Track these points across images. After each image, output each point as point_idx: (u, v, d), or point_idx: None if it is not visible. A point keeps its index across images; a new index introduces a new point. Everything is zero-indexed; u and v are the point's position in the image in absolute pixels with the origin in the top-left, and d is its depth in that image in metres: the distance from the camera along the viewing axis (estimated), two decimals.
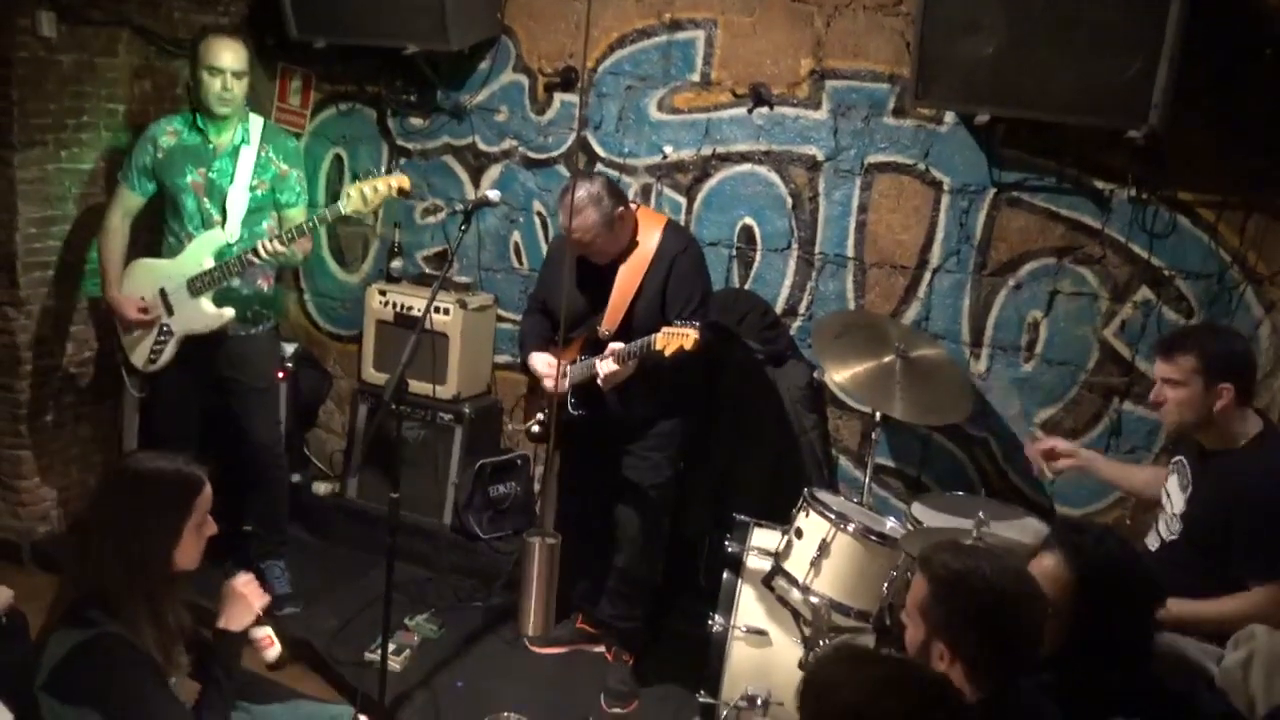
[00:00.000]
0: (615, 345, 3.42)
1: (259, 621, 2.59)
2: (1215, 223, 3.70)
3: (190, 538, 2.34)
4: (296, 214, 4.06)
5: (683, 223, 4.36)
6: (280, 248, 3.81)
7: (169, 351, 3.99)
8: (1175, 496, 3.09)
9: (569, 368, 3.57)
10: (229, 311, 3.93)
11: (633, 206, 3.66)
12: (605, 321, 3.57)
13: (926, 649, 2.10)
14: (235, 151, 3.95)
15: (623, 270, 3.59)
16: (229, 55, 3.84)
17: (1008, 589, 2.06)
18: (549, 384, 3.63)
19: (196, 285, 3.89)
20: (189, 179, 3.92)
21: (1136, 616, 2.28)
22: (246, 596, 2.53)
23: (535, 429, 3.85)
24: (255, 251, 3.80)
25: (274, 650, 2.65)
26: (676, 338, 3.24)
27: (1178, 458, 3.17)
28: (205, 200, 3.93)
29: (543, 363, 3.69)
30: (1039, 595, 2.09)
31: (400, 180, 3.82)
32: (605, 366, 3.41)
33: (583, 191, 3.42)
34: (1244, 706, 2.49)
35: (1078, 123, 3.62)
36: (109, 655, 2.18)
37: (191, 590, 2.48)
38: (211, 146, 3.94)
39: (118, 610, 2.21)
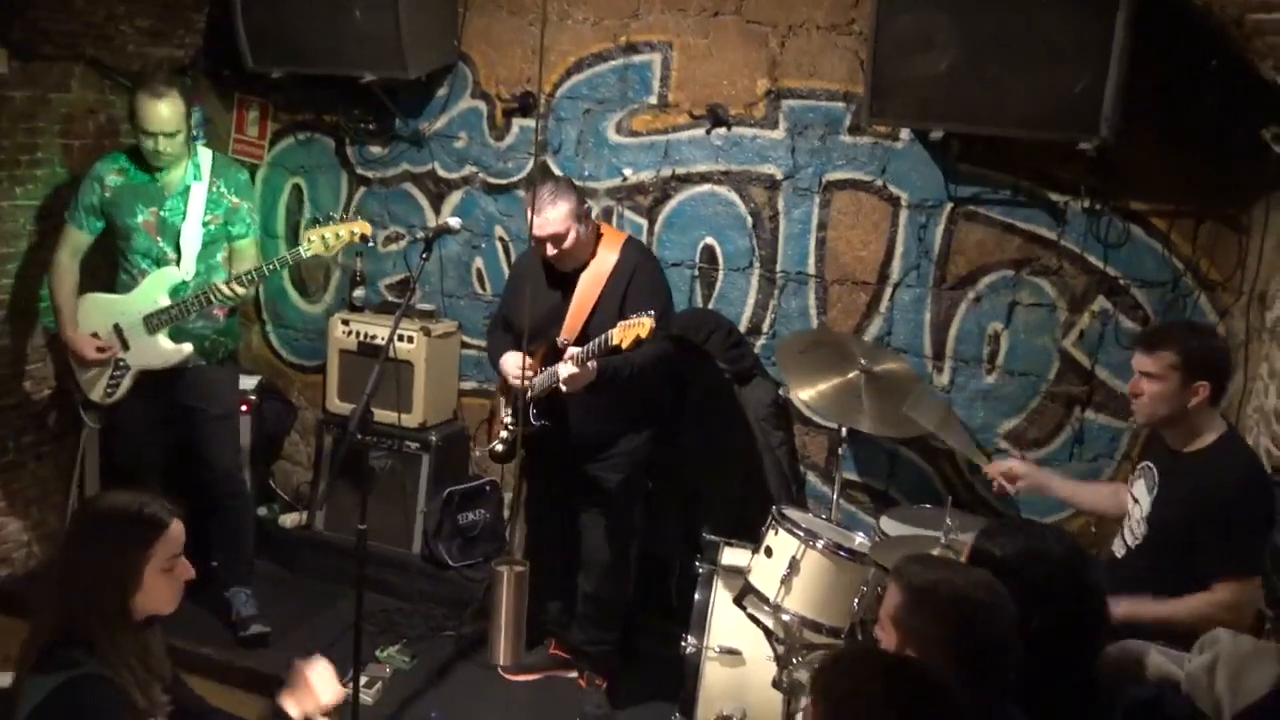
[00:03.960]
0: (574, 349, 3.44)
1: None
2: (1168, 231, 3.76)
3: (156, 581, 2.24)
4: (247, 245, 4.04)
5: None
6: (240, 290, 3.80)
7: (125, 385, 3.97)
8: (1142, 499, 3.12)
9: (529, 380, 3.57)
10: (187, 347, 3.91)
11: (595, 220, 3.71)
12: (564, 331, 3.59)
13: None
14: (186, 190, 3.92)
15: (583, 281, 3.62)
16: (159, 117, 3.76)
17: (977, 599, 2.08)
18: (511, 379, 3.64)
19: (153, 323, 3.86)
20: (140, 219, 3.89)
21: (1069, 589, 2.26)
22: (316, 687, 2.38)
23: (499, 447, 3.83)
24: (214, 293, 3.78)
25: None
26: (633, 328, 3.26)
27: (1144, 463, 3.21)
28: (158, 239, 3.90)
29: (512, 363, 3.65)
30: (1008, 605, 2.10)
31: (362, 227, 3.84)
32: (565, 369, 3.41)
33: (551, 185, 3.57)
34: (1210, 710, 2.51)
35: (1030, 136, 3.68)
36: (86, 699, 2.12)
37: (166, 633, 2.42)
38: (161, 185, 3.91)
39: (92, 647, 2.15)
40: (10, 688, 2.26)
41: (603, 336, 3.34)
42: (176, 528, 2.30)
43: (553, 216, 3.49)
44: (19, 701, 2.15)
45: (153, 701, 2.26)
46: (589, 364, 3.39)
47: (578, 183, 4.43)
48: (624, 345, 3.28)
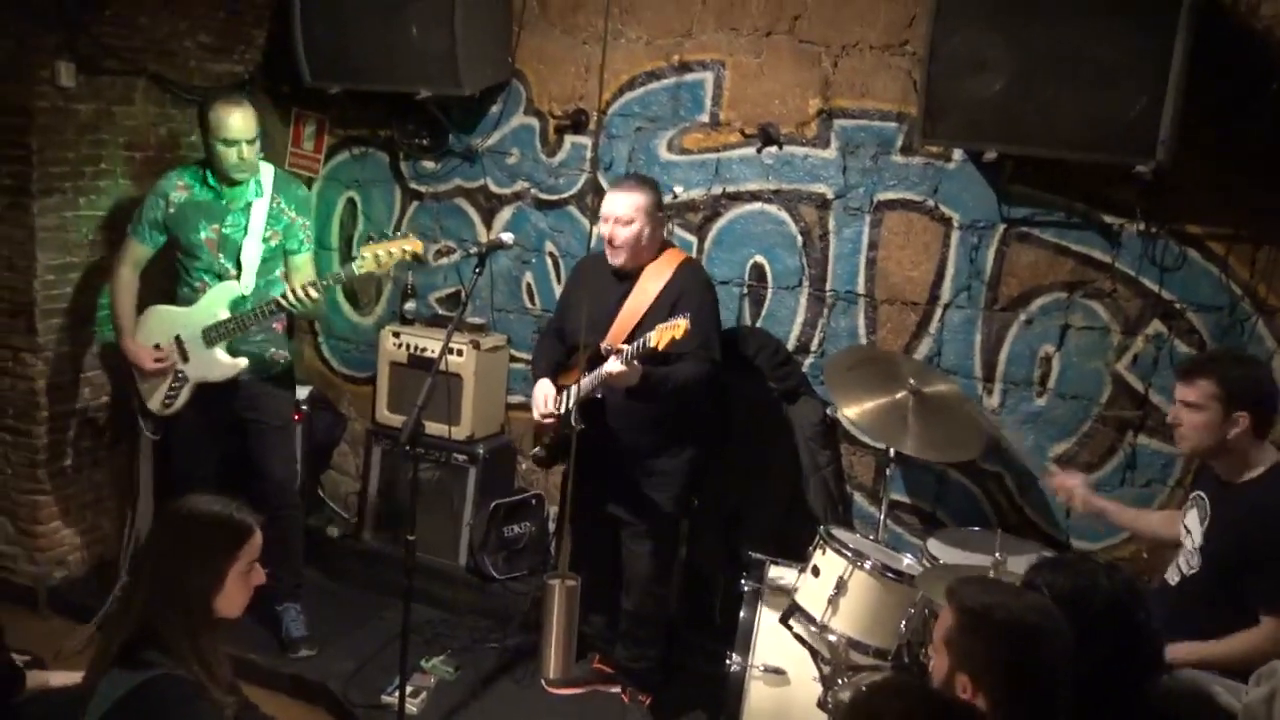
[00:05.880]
0: (622, 345, 3.49)
1: None
2: (1225, 255, 3.71)
3: (235, 584, 2.33)
4: (303, 260, 4.11)
5: None
6: (304, 299, 3.83)
7: (184, 396, 4.02)
8: (1194, 530, 3.08)
9: (574, 387, 3.61)
10: (243, 361, 3.97)
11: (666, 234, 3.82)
12: (608, 338, 3.63)
13: (950, 681, 2.09)
14: (248, 206, 3.99)
15: (635, 292, 3.68)
16: (240, 124, 3.85)
17: (1031, 624, 2.06)
18: (535, 414, 3.78)
19: (212, 335, 3.93)
20: (203, 235, 3.97)
21: (1119, 627, 2.23)
22: None
23: (540, 452, 3.88)
24: (276, 304, 3.85)
25: None
26: (668, 330, 3.31)
27: (1196, 492, 3.17)
28: (219, 255, 3.97)
29: (540, 394, 3.77)
30: (1063, 631, 2.08)
31: (414, 245, 3.90)
32: (612, 364, 3.43)
33: (637, 176, 3.78)
34: None
35: (1085, 158, 3.64)
36: (172, 697, 2.17)
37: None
38: (224, 202, 3.98)
39: (170, 649, 2.20)
40: (82, 683, 2.32)
41: (642, 339, 3.39)
42: (258, 535, 2.40)
43: (625, 200, 3.64)
44: (91, 695, 2.20)
45: (221, 701, 2.31)
46: (634, 362, 3.42)
47: None
48: (660, 346, 3.31)
